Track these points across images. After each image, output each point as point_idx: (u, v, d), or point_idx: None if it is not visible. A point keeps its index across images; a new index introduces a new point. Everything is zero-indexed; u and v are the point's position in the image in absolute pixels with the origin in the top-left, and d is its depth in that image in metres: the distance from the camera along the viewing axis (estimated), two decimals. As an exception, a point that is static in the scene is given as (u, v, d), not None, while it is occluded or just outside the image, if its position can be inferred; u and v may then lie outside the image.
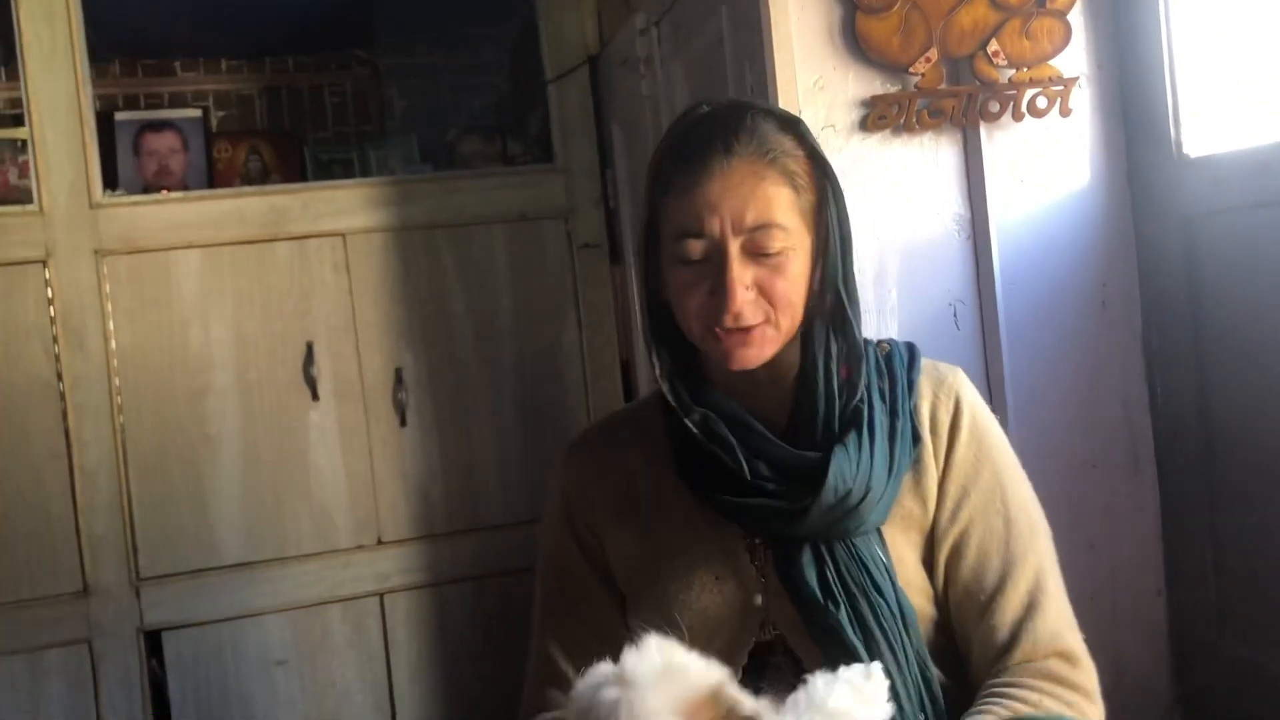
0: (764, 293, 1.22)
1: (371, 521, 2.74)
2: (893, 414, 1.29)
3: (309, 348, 2.70)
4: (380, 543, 2.74)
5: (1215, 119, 1.80)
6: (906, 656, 1.23)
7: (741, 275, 1.21)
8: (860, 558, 1.25)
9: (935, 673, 1.26)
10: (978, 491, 1.29)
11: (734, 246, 1.21)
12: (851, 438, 1.25)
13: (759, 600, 1.26)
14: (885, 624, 1.23)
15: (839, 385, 1.27)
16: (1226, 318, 1.79)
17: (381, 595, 2.73)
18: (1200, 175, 1.79)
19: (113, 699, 2.58)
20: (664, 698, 0.96)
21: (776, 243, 1.21)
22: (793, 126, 1.26)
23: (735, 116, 1.24)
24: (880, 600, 1.23)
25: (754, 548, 1.28)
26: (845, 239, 1.27)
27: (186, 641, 2.63)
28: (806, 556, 1.24)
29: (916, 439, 1.29)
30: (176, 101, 3.22)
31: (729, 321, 1.22)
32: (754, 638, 1.26)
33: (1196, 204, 1.80)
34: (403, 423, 2.75)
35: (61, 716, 2.55)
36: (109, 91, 3.11)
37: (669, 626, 1.10)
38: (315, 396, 2.70)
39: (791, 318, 1.24)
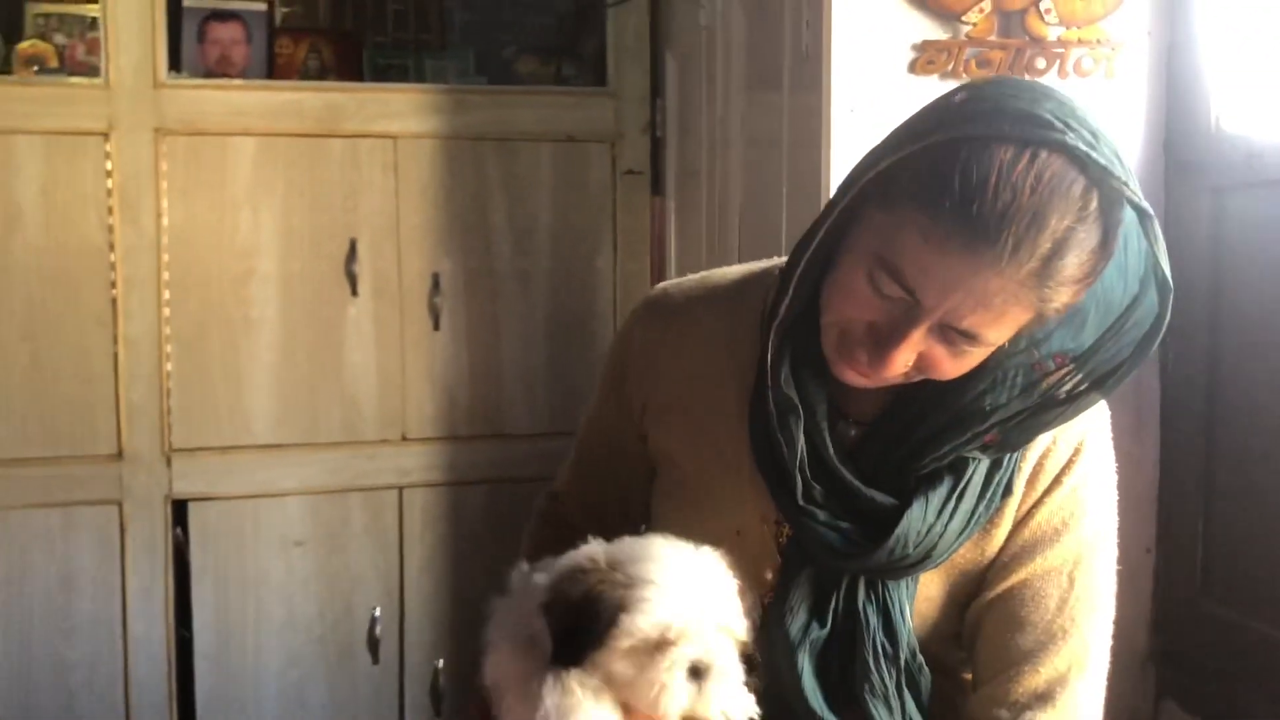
0: (923, 365, 1.01)
1: (398, 418, 2.83)
2: (995, 461, 1.09)
3: (352, 244, 2.77)
4: (405, 439, 2.83)
5: (1256, 94, 1.83)
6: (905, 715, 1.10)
7: (910, 349, 0.99)
8: (882, 599, 1.10)
9: None
10: (1047, 556, 1.12)
11: (925, 325, 0.97)
12: (941, 489, 1.06)
13: (769, 576, 1.16)
14: (883, 676, 1.09)
15: (974, 442, 1.06)
16: (1245, 291, 1.83)
17: (401, 489, 2.83)
18: (1234, 149, 1.83)
19: (137, 561, 2.70)
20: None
21: (971, 345, 0.99)
22: (1106, 249, 0.96)
23: (1054, 207, 0.91)
24: (886, 647, 1.10)
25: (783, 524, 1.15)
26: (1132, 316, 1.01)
27: (211, 514, 2.74)
28: (811, 573, 1.12)
29: (1007, 491, 1.10)
30: (243, -7, 3.27)
31: (863, 366, 1.02)
32: (762, 597, 1.14)
33: (1228, 177, 1.84)
34: (436, 326, 2.83)
35: (89, 571, 2.67)
36: (178, -23, 3.15)
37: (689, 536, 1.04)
38: (355, 292, 2.78)
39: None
